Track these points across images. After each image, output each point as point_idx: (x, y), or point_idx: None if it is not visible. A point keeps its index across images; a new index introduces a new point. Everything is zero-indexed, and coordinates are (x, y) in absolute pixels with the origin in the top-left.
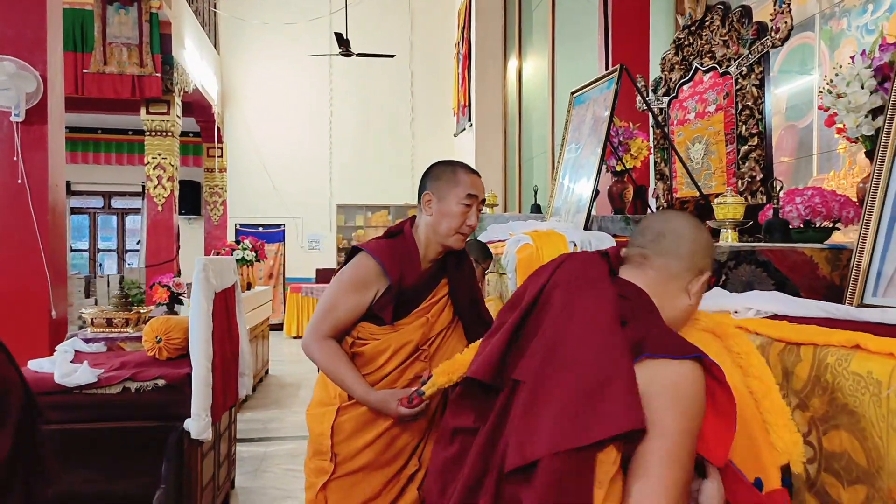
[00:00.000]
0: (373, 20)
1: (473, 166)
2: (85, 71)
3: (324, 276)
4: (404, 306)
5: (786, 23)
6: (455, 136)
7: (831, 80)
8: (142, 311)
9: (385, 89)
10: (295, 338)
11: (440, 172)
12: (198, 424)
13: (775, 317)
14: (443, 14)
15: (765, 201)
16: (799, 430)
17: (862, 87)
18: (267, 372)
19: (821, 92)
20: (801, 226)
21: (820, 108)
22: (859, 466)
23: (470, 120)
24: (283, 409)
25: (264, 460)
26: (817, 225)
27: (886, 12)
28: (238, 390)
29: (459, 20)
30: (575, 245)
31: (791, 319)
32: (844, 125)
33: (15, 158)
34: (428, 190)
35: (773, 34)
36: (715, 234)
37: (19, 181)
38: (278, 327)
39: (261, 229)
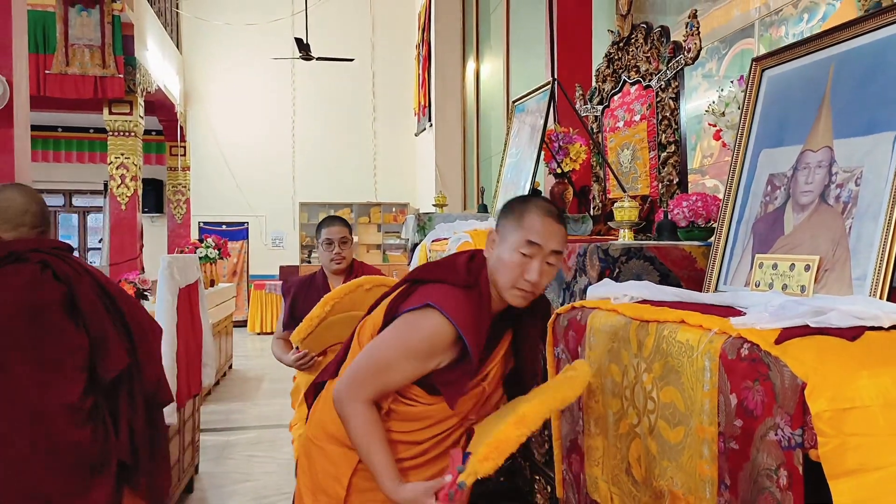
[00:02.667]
0: (334, 21)
1: (433, 165)
2: (47, 72)
3: (287, 273)
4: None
5: (695, 44)
6: (416, 135)
7: (714, 102)
8: None
9: (347, 89)
10: (258, 334)
11: (514, 205)
12: (165, 409)
13: (643, 301)
14: (404, 15)
15: None
16: (644, 388)
17: (738, 108)
18: (231, 367)
19: (706, 112)
20: (687, 226)
21: (710, 124)
22: (680, 412)
23: (430, 120)
24: (245, 402)
25: (227, 448)
26: (701, 225)
27: (820, 21)
28: (202, 380)
29: (420, 22)
30: None
31: (653, 303)
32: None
33: None
34: (497, 225)
35: (685, 53)
36: (593, 231)
37: None
38: (243, 324)
39: (224, 227)
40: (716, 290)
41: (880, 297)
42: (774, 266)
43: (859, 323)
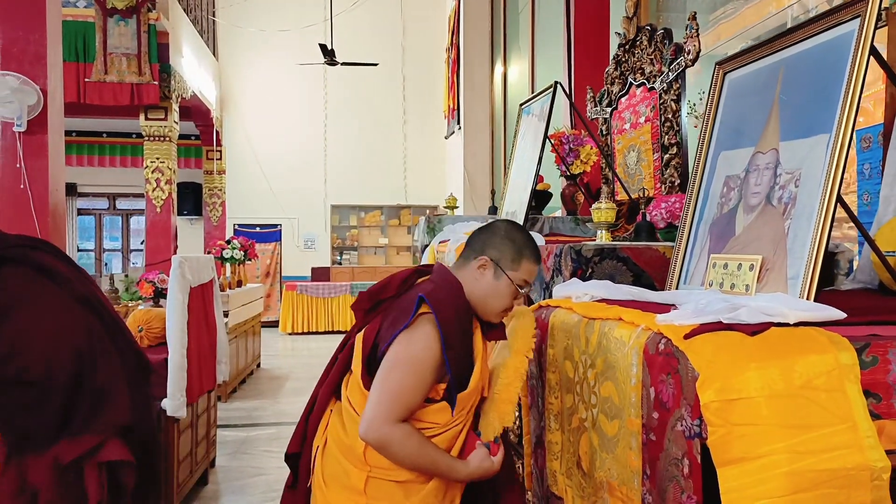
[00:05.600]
0: (365, 26)
1: (461, 168)
2: (87, 80)
3: (319, 274)
4: None
5: (695, 45)
6: (446, 138)
7: (694, 105)
8: (130, 304)
9: (378, 93)
10: (290, 334)
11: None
12: (173, 403)
13: (601, 300)
14: (434, 19)
15: None
16: (589, 383)
17: None
18: (258, 365)
19: (688, 114)
20: (665, 227)
21: (695, 126)
22: (616, 406)
23: (459, 123)
24: (268, 399)
25: (244, 443)
26: (678, 226)
27: None
28: (216, 376)
29: (449, 25)
30: None
31: (608, 301)
32: None
33: (18, 166)
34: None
35: (686, 55)
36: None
37: (22, 186)
38: (275, 324)
39: (258, 229)
40: (676, 289)
41: (807, 296)
42: (725, 266)
43: (767, 319)
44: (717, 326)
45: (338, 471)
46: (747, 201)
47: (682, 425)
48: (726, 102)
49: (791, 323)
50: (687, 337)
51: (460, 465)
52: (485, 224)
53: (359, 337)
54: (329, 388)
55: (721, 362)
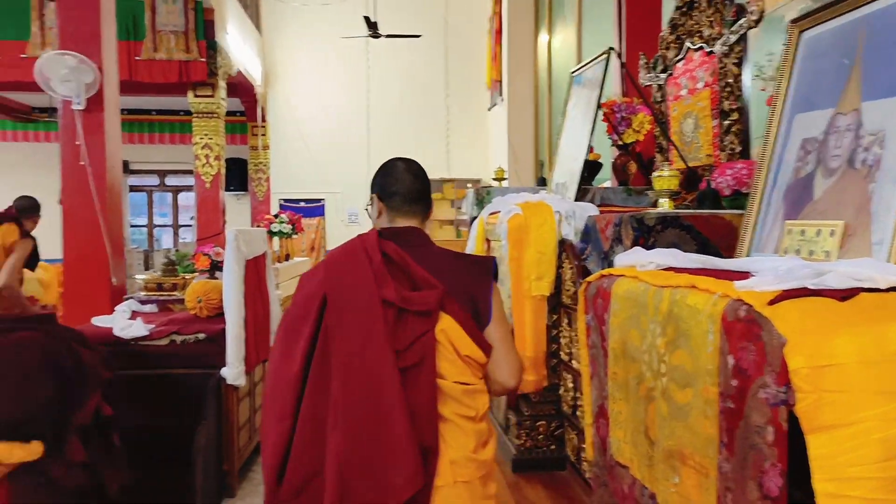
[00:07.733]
0: None
1: (505, 139)
2: (137, 58)
3: None
4: None
5: (759, 5)
6: (489, 109)
7: (762, 67)
8: (187, 276)
9: (420, 65)
10: None
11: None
12: (232, 371)
13: (668, 269)
14: None
15: None
16: (658, 351)
17: None
18: None
19: (755, 77)
20: (731, 194)
21: (762, 89)
22: (688, 374)
23: (502, 94)
24: None
25: None
26: (746, 193)
27: None
28: (269, 346)
29: None
30: (560, 214)
31: (676, 270)
32: None
33: (77, 143)
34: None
35: (749, 16)
36: (654, 203)
37: (81, 163)
38: None
39: (302, 204)
40: (748, 256)
41: (895, 261)
42: (802, 232)
43: (856, 284)
44: (803, 292)
45: (479, 491)
46: (826, 165)
47: (765, 392)
48: (802, 63)
49: (882, 288)
50: (771, 303)
51: None
52: (389, 174)
53: (448, 328)
54: (431, 412)
55: (810, 328)
